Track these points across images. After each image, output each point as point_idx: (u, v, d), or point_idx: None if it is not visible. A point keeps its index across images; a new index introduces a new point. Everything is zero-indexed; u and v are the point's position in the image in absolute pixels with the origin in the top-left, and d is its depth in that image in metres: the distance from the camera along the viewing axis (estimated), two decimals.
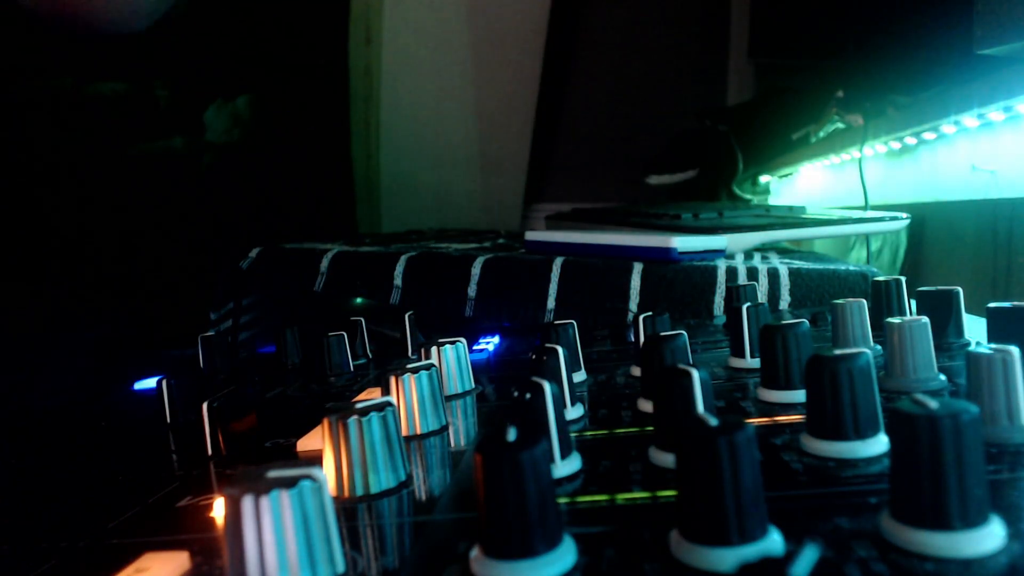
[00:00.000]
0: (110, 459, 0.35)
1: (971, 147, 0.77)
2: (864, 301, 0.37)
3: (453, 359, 0.39)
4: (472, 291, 0.59)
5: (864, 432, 0.24)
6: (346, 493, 0.25)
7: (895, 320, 0.31)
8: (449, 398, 0.38)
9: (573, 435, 0.30)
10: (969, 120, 0.73)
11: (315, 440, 0.32)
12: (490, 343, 0.53)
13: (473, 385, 0.40)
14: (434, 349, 0.39)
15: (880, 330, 0.37)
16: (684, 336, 0.33)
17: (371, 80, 1.59)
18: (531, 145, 1.95)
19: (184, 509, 0.27)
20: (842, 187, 1.15)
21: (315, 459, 0.24)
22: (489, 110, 1.85)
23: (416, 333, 0.53)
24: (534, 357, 0.32)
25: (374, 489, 0.25)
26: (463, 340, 0.40)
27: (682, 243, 0.59)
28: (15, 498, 0.31)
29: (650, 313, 0.41)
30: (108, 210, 1.18)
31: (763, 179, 1.50)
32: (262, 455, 0.32)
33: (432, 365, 0.33)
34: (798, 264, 0.60)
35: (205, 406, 0.33)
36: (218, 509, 0.26)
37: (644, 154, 1.66)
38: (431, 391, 0.33)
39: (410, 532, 0.23)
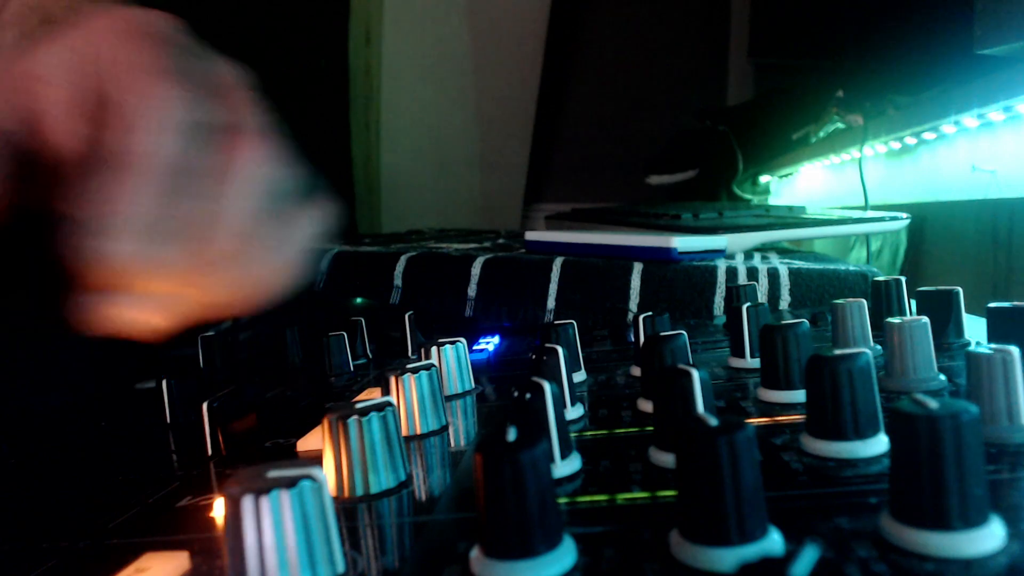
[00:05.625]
0: (110, 459, 0.35)
1: (971, 147, 0.77)
2: (864, 301, 0.37)
3: (453, 359, 0.39)
4: (472, 291, 0.59)
5: (864, 432, 0.24)
6: (346, 493, 0.25)
7: (895, 320, 0.31)
8: (449, 398, 0.38)
9: (573, 435, 0.29)
10: (969, 120, 0.73)
11: (315, 440, 0.32)
12: (490, 343, 0.53)
13: (473, 385, 0.40)
14: (434, 349, 0.39)
15: (880, 330, 0.37)
16: (684, 336, 0.33)
17: (371, 80, 1.59)
18: (531, 145, 1.95)
19: (184, 509, 0.27)
20: (842, 187, 1.15)
21: (315, 459, 0.24)
22: (489, 110, 1.85)
23: (416, 333, 0.53)
24: (534, 357, 0.32)
25: (374, 489, 0.25)
26: (463, 340, 0.40)
27: (682, 243, 0.59)
28: (15, 498, 0.31)
29: (650, 313, 0.41)
30: None
31: (763, 179, 1.50)
32: (262, 455, 0.32)
33: (432, 365, 0.33)
34: (798, 264, 0.60)
35: (205, 406, 0.33)
36: (218, 509, 0.26)
37: (644, 154, 1.66)
38: (431, 391, 0.33)
39: (410, 532, 0.23)
